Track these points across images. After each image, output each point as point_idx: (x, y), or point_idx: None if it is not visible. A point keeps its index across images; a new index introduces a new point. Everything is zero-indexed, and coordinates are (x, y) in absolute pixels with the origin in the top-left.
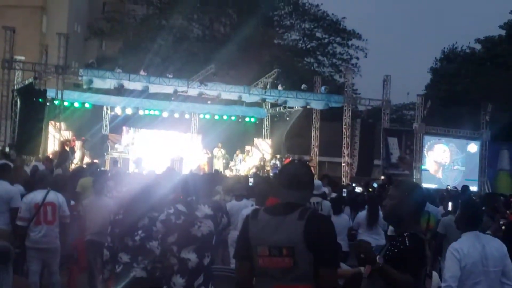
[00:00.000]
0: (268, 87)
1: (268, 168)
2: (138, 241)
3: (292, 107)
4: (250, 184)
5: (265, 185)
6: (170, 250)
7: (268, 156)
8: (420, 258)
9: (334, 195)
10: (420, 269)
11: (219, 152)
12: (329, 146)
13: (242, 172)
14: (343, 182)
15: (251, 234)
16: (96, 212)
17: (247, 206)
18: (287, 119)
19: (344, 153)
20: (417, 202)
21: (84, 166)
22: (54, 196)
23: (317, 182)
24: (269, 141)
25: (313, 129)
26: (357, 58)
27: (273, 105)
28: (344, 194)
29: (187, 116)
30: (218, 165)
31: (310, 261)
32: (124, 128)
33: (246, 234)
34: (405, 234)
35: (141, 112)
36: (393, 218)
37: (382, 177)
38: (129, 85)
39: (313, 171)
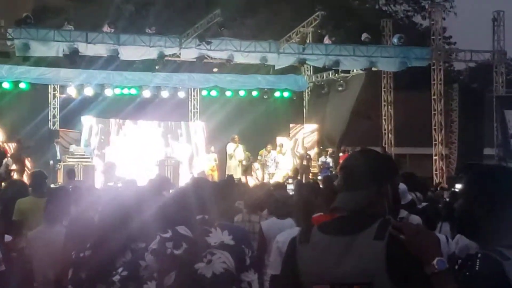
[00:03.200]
0: (308, 40)
1: (315, 169)
2: (118, 283)
3: (348, 71)
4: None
5: (310, 196)
6: None
7: (313, 152)
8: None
9: (424, 204)
10: None
11: (236, 149)
12: (410, 130)
13: (277, 178)
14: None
15: (302, 267)
16: (48, 250)
17: (292, 227)
18: (340, 89)
19: (435, 140)
20: (494, 198)
21: (25, 181)
22: None
23: (400, 186)
24: (313, 128)
25: (383, 104)
26: None
27: (318, 70)
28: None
29: (181, 94)
30: (235, 169)
31: None
32: (82, 118)
33: (293, 267)
34: (478, 255)
35: (108, 92)
36: (464, 226)
37: None
38: (87, 50)
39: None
